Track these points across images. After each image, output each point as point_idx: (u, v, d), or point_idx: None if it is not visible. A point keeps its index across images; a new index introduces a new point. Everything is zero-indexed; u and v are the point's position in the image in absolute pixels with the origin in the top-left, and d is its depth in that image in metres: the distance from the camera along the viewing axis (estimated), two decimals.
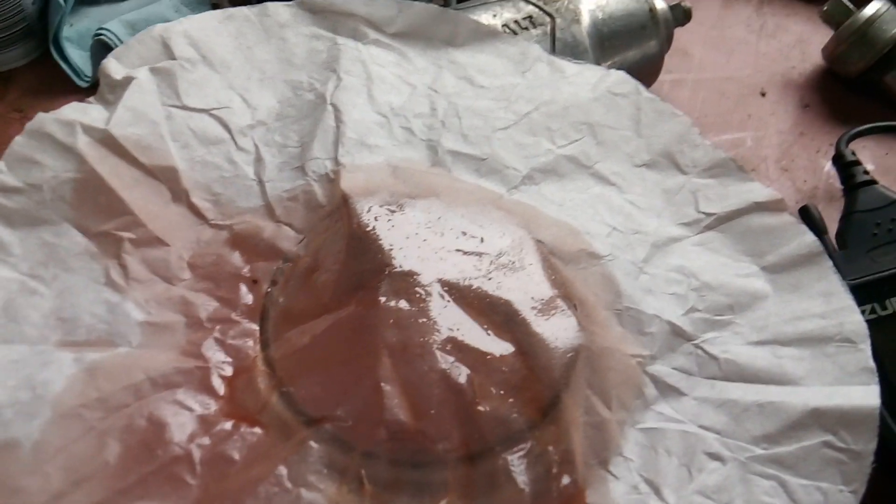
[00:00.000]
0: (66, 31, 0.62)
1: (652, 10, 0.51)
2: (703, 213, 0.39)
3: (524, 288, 0.34)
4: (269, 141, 0.39)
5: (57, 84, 0.62)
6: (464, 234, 0.35)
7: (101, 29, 0.60)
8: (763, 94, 0.59)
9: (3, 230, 0.33)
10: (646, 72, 0.52)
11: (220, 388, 0.31)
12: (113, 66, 0.38)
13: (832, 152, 0.49)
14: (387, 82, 0.42)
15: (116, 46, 0.58)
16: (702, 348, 0.35)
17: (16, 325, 0.30)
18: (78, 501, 0.27)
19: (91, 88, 0.62)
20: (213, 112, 0.39)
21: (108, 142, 0.36)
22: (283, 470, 0.29)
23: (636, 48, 0.52)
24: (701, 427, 0.33)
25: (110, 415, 0.29)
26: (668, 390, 0.34)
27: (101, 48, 0.60)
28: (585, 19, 0.50)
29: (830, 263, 0.37)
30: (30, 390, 0.29)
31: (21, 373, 0.29)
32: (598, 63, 0.50)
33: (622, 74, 0.44)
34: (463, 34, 0.44)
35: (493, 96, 0.43)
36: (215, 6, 0.63)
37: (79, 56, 0.62)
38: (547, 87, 0.43)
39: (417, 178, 0.38)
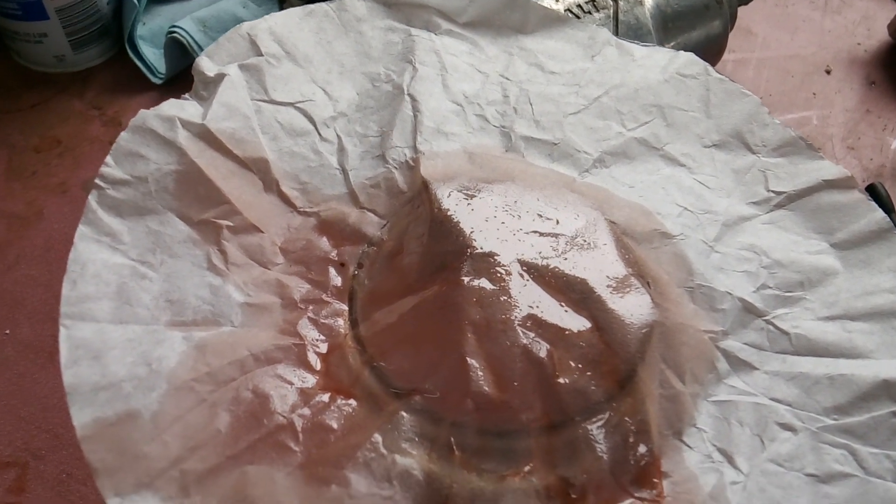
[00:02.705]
0: (140, 30, 0.65)
1: None
2: (773, 191, 0.40)
3: (599, 267, 0.35)
4: (351, 131, 0.41)
5: (132, 82, 0.65)
6: (540, 216, 0.37)
7: (174, 27, 0.62)
8: (828, 72, 0.59)
9: (113, 220, 0.35)
10: (710, 52, 0.52)
11: (316, 363, 0.33)
12: (205, 64, 0.40)
13: None
14: (460, 71, 0.44)
15: (189, 43, 0.61)
16: (773, 324, 0.36)
17: (129, 308, 0.33)
18: (194, 466, 0.29)
19: (165, 85, 0.64)
20: (298, 105, 0.41)
21: (205, 136, 0.38)
22: (378, 438, 0.31)
23: (700, 28, 0.52)
24: (772, 399, 0.34)
25: (219, 388, 0.31)
26: (739, 364, 0.35)
27: (174, 45, 0.63)
28: (648, 1, 0.51)
29: None
30: (146, 366, 0.31)
31: (137, 350, 0.32)
32: (661, 44, 0.51)
33: (691, 56, 0.45)
34: (532, 21, 0.45)
35: (564, 81, 0.44)
36: (284, 1, 0.65)
37: (152, 54, 0.65)
38: (616, 71, 0.44)
39: (493, 164, 0.40)
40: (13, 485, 0.47)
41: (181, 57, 0.64)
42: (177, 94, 0.61)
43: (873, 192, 0.46)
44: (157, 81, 0.64)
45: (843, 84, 0.58)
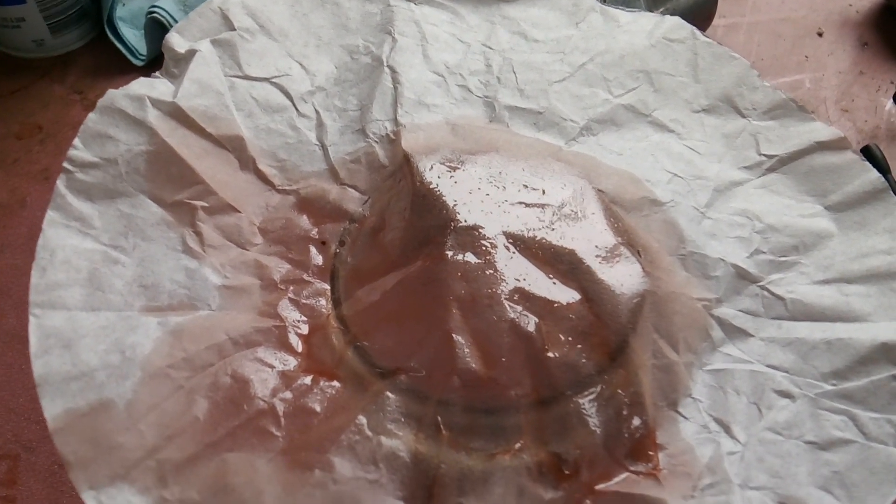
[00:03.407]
0: (120, 11, 0.63)
1: None
2: (765, 155, 0.39)
3: (587, 237, 0.34)
4: (329, 106, 0.40)
5: (113, 64, 0.64)
6: (525, 186, 0.36)
7: (154, 6, 0.61)
8: (820, 35, 0.58)
9: (83, 204, 0.34)
10: (700, 17, 0.51)
11: (298, 345, 0.32)
12: (176, 40, 0.39)
13: (893, 90, 0.48)
14: (441, 41, 0.42)
15: (170, 23, 0.60)
16: (767, 289, 0.35)
17: (102, 294, 0.32)
18: (171, 455, 0.28)
19: (146, 67, 0.63)
20: (274, 80, 0.40)
21: (176, 114, 0.37)
22: (362, 419, 0.30)
23: None
24: (769, 366, 0.33)
25: (196, 373, 0.30)
26: (734, 332, 0.34)
27: (154, 26, 0.61)
28: None
29: (895, 199, 0.37)
30: (119, 354, 0.30)
31: (110, 338, 0.31)
32: (650, 10, 0.50)
33: (677, 20, 0.44)
34: None
35: (548, 49, 0.43)
36: None
37: (133, 35, 0.64)
38: (601, 38, 0.43)
39: (476, 135, 0.39)
40: (5, 477, 0.46)
41: (162, 37, 0.63)
42: None
43: (868, 153, 0.45)
44: (139, 63, 0.63)
45: (836, 46, 0.57)
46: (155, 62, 0.64)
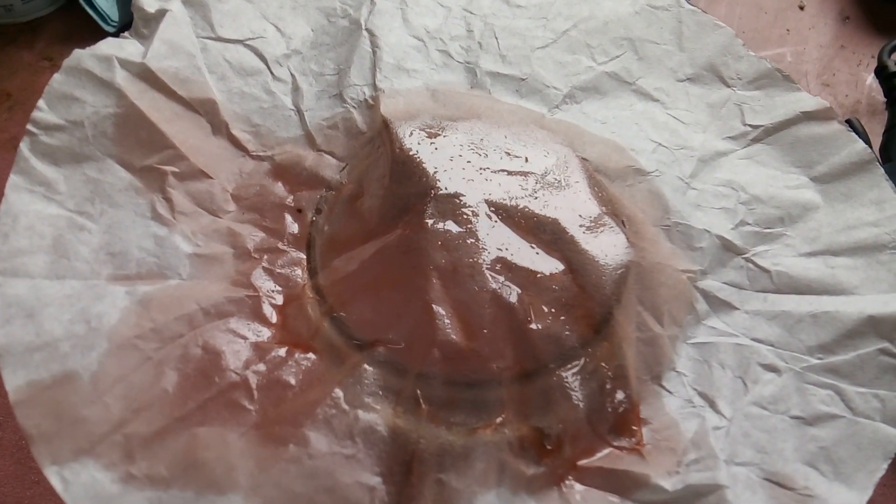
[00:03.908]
0: None
1: None
2: (750, 125, 0.38)
3: (571, 206, 0.33)
4: (306, 70, 0.39)
5: (84, 31, 0.62)
6: (507, 154, 0.35)
7: None
8: (801, 8, 0.58)
9: (48, 168, 0.32)
10: None
11: (272, 316, 0.31)
12: (145, 0, 0.37)
13: (874, 65, 0.48)
14: (421, 5, 0.41)
15: None
16: (752, 261, 0.34)
17: (67, 262, 0.30)
18: (138, 429, 0.27)
19: (118, 34, 0.62)
20: (248, 42, 0.38)
21: (145, 75, 0.35)
22: (339, 392, 0.29)
23: None
24: (754, 340, 0.32)
25: (166, 345, 0.29)
26: (719, 305, 0.34)
27: None
28: None
29: (882, 171, 0.36)
30: (85, 324, 0.29)
31: (75, 307, 0.30)
32: None
33: None
34: None
35: (530, 15, 0.42)
36: None
37: (104, 1, 0.62)
38: (585, 3, 0.42)
39: (458, 101, 0.38)
40: None
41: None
42: None
43: (850, 127, 0.44)
44: (110, 30, 0.61)
45: (817, 20, 0.57)
46: (126, 28, 0.63)
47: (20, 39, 0.63)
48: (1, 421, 0.46)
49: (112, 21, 0.61)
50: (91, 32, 0.62)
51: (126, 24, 0.61)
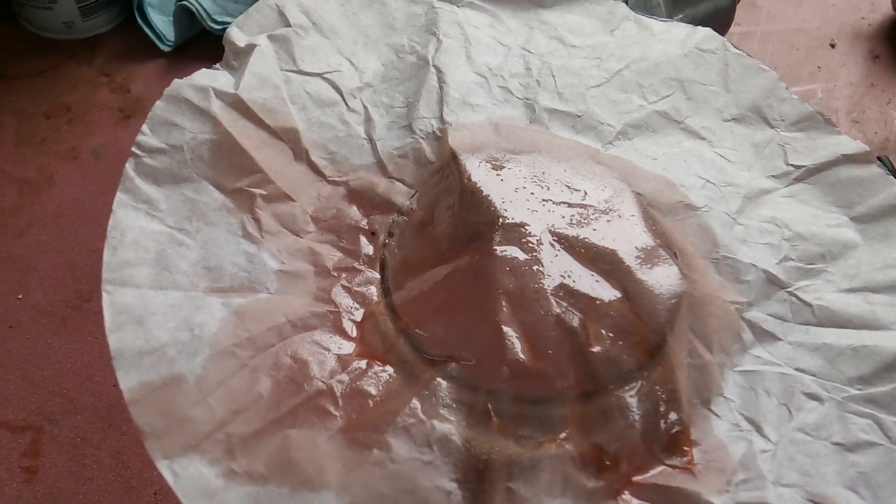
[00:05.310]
0: None
1: None
2: (793, 165, 0.41)
3: (627, 238, 0.36)
4: (377, 102, 0.41)
5: (141, 49, 0.65)
6: (568, 187, 0.37)
7: None
8: (833, 46, 0.59)
9: (150, 188, 0.35)
10: (717, 24, 0.52)
11: (352, 330, 0.34)
12: (236, 34, 0.40)
13: None
14: (483, 43, 0.44)
15: (198, 11, 0.61)
16: (795, 295, 0.37)
17: (168, 274, 0.33)
18: (238, 429, 0.30)
19: (173, 52, 0.64)
20: (326, 76, 0.41)
21: (238, 105, 0.38)
22: (416, 403, 0.31)
23: (708, 0, 0.52)
24: (797, 369, 0.35)
25: (259, 353, 0.32)
26: (764, 335, 0.36)
27: (183, 13, 0.63)
28: None
29: None
30: (188, 331, 0.32)
31: (178, 316, 0.32)
32: (669, 16, 0.51)
33: (709, 31, 0.45)
34: None
35: (585, 55, 0.44)
36: None
37: (161, 21, 0.65)
38: (636, 45, 0.45)
39: (519, 135, 0.40)
40: (28, 448, 0.47)
41: (190, 24, 0.64)
42: (185, 62, 0.61)
43: (882, 165, 0.46)
44: (166, 49, 0.64)
45: (848, 58, 0.59)
46: (181, 48, 0.65)
47: (80, 55, 0.65)
48: (57, 419, 0.48)
49: (168, 41, 0.64)
50: (147, 51, 0.65)
51: (180, 44, 0.64)
